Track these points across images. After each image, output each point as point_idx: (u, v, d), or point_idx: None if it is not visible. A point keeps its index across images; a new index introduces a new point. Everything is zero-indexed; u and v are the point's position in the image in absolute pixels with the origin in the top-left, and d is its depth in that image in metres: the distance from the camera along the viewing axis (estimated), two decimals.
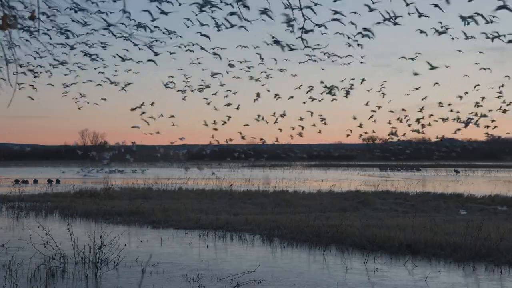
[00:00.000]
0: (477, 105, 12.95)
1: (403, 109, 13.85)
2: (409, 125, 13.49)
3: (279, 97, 14.06)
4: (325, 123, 14.11)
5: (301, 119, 14.35)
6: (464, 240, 16.67)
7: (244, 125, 15.19)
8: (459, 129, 13.28)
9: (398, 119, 13.61)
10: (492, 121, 12.94)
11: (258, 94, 14.14)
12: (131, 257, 15.46)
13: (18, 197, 33.13)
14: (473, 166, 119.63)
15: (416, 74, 12.30)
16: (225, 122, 14.33)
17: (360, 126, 14.21)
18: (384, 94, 13.94)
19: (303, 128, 14.48)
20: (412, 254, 16.29)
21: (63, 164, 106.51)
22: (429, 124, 13.40)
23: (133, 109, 13.70)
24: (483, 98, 12.90)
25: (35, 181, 55.81)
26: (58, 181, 55.69)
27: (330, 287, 12.80)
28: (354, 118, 14.23)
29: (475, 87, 13.45)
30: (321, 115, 14.12)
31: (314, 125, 14.20)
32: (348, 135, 14.24)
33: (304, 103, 13.33)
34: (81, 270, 14.08)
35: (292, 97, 14.06)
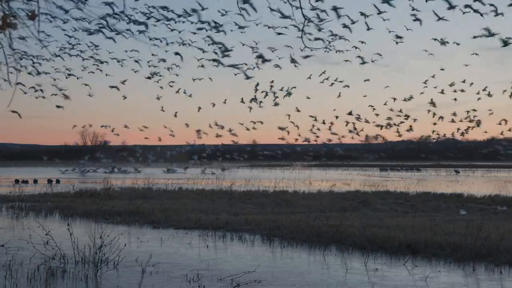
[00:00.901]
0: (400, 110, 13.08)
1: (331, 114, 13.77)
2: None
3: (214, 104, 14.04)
4: (254, 128, 14.01)
5: (257, 122, 14.26)
6: (464, 240, 16.67)
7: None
8: (378, 134, 13.39)
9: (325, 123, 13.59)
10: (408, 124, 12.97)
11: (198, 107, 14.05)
12: (131, 257, 15.47)
13: (18, 197, 33.14)
14: (473, 166, 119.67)
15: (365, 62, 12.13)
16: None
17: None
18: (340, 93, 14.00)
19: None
20: (412, 254, 16.29)
21: (64, 164, 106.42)
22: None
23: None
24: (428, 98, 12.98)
25: (35, 181, 55.83)
26: (58, 181, 55.74)
27: (330, 287, 12.80)
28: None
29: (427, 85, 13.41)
30: (257, 121, 14.01)
31: (247, 129, 14.12)
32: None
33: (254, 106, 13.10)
34: (81, 270, 14.08)
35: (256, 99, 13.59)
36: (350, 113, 13.13)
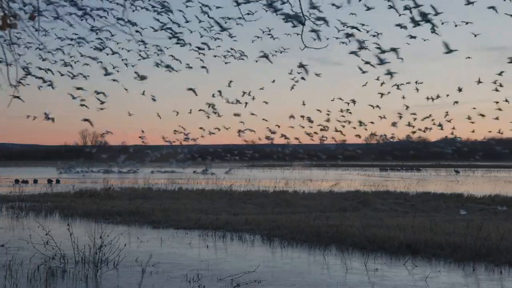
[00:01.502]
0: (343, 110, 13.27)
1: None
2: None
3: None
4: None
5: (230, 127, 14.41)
6: (464, 240, 16.67)
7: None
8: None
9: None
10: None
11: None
12: (131, 257, 15.46)
13: (18, 197, 33.14)
14: (473, 166, 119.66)
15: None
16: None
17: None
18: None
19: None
20: (412, 254, 16.29)
21: (64, 164, 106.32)
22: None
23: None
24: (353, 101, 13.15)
25: (35, 181, 55.84)
26: (58, 181, 55.75)
27: (330, 287, 12.80)
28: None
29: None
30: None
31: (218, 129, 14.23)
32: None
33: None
34: (81, 270, 14.08)
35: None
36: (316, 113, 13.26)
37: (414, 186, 49.58)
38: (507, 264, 15.00)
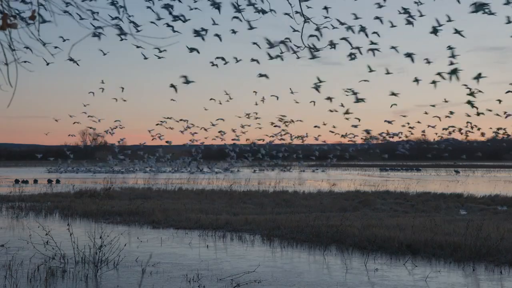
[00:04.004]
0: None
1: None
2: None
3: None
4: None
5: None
6: (464, 240, 16.67)
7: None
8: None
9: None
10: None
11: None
12: (131, 257, 15.46)
13: (18, 197, 33.14)
14: (473, 166, 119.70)
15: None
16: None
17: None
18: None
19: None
20: (412, 254, 16.29)
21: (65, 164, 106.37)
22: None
23: None
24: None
25: (35, 181, 55.85)
26: (58, 181, 55.78)
27: (330, 287, 12.80)
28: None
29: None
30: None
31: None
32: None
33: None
34: (81, 270, 14.08)
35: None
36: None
37: (414, 186, 49.58)
38: (507, 264, 15.01)
